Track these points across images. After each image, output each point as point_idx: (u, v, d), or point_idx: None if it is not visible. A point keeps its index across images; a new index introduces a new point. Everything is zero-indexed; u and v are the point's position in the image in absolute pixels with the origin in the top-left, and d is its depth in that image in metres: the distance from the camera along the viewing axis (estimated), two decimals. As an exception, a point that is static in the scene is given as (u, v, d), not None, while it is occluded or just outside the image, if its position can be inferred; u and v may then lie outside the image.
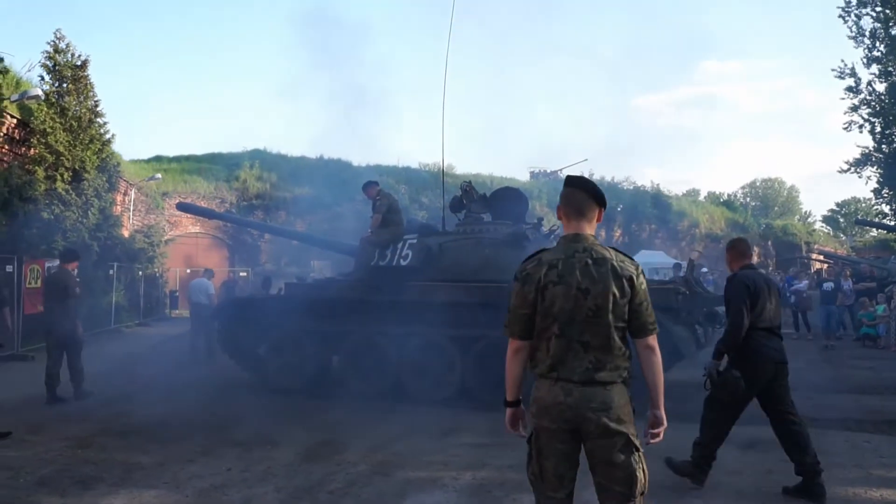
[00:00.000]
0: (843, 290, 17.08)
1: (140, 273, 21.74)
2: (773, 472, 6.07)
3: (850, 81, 35.67)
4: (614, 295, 3.16)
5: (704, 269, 25.71)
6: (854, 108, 35.78)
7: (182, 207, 13.81)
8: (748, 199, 69.73)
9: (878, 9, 35.05)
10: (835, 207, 71.03)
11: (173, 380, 11.05)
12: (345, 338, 9.69)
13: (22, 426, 7.71)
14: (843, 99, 35.77)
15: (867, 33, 35.53)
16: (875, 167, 36.25)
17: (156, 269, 23.45)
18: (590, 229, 3.33)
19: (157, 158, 31.36)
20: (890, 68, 35.38)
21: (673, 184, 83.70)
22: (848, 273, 18.59)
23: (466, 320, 8.99)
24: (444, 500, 5.27)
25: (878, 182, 36.95)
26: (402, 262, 9.78)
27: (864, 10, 35.34)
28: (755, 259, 44.46)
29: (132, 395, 9.67)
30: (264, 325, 10.09)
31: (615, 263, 3.22)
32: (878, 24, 35.34)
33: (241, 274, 26.55)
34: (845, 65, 36.25)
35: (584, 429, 3.14)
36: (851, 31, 35.67)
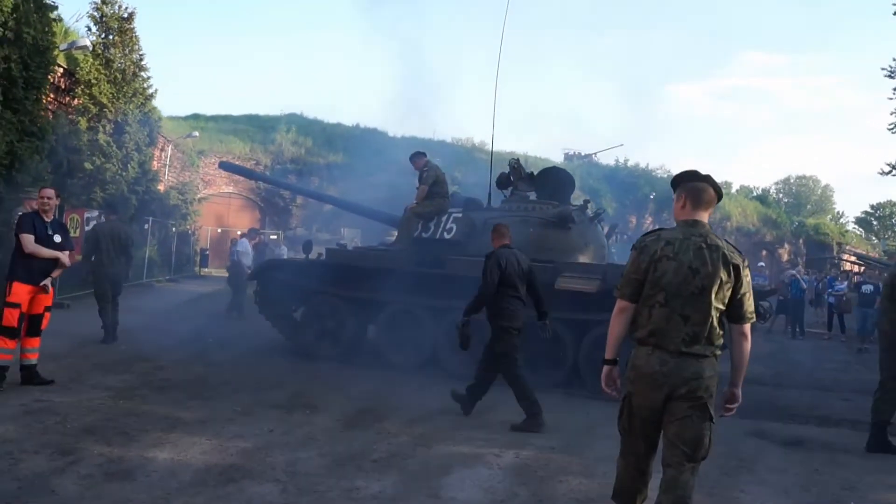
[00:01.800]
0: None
1: (174, 229, 21.85)
2: (820, 472, 5.99)
3: (899, 82, 34.90)
4: (721, 279, 3.51)
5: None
6: (901, 110, 35.07)
7: (224, 166, 13.81)
8: (781, 196, 68.82)
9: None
10: (869, 210, 69.85)
11: (208, 337, 11.08)
12: (383, 308, 9.67)
13: (63, 373, 7.79)
14: (891, 99, 35.12)
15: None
16: (919, 171, 35.57)
17: (188, 227, 23.54)
18: (706, 218, 3.71)
19: (195, 116, 31.47)
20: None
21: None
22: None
23: (508, 298, 8.91)
24: (489, 477, 5.23)
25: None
26: (446, 236, 9.71)
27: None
28: (784, 256, 43.91)
29: (169, 350, 9.72)
30: (303, 290, 10.08)
31: (725, 252, 3.57)
32: (933, 25, 34.50)
33: (272, 237, 26.62)
34: (895, 64, 35.60)
35: (675, 393, 3.50)
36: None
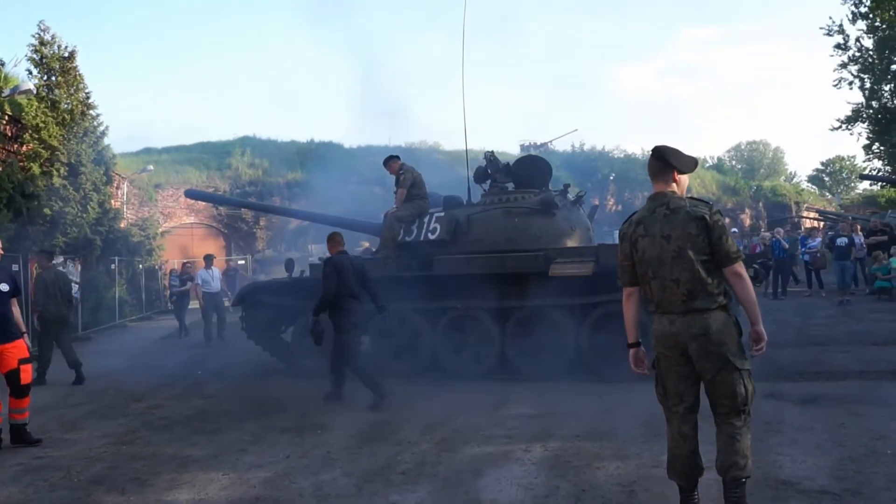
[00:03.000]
0: (856, 244, 16.98)
1: (140, 266, 21.35)
2: (846, 425, 5.93)
3: (839, 39, 35.53)
4: (690, 234, 3.72)
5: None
6: (843, 65, 35.68)
7: (190, 194, 13.47)
8: (734, 163, 69.65)
9: (864, -37, 34.88)
10: (820, 167, 71.11)
11: (196, 370, 10.77)
12: (375, 316, 9.44)
13: (56, 425, 7.50)
14: (832, 56, 35.74)
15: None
16: (866, 123, 36.21)
17: (154, 262, 23.02)
18: (668, 188, 3.88)
19: (147, 150, 30.88)
20: (877, 23, 35.24)
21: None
22: (859, 228, 18.46)
23: (502, 291, 8.77)
24: (524, 473, 5.07)
25: (868, 138, 36.95)
26: (431, 237, 9.52)
27: (849, -35, 35.16)
28: (747, 221, 44.52)
29: (161, 388, 9.43)
30: (291, 309, 9.83)
31: (688, 209, 3.76)
32: (864, -21, 35.17)
33: (240, 262, 26.21)
34: (833, 22, 36.18)
35: (689, 351, 3.73)
36: (838, -13, 35.47)
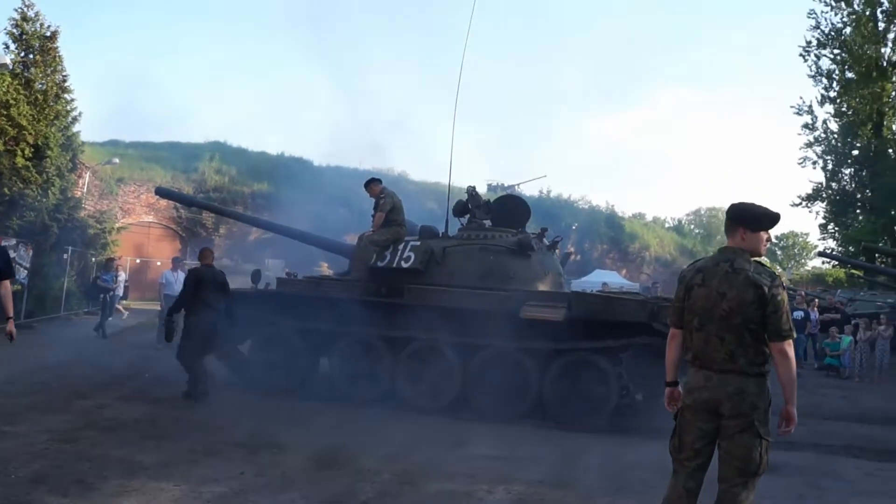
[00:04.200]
0: (811, 319, 17.30)
1: (93, 260, 20.77)
2: (805, 497, 5.95)
3: (808, 118, 36.67)
4: (745, 300, 3.70)
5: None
6: (809, 145, 36.79)
7: (161, 192, 13.13)
8: (693, 227, 70.92)
9: (836, 51, 36.18)
10: (773, 240, 72.66)
11: (144, 372, 10.43)
12: (339, 339, 9.28)
13: (-6, 415, 7.15)
14: (800, 135, 36.86)
15: (825, 73, 36.64)
16: (825, 203, 37.26)
17: (116, 257, 22.41)
18: (736, 244, 3.90)
19: (113, 143, 30.25)
20: (843, 108, 36.47)
21: (621, 205, 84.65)
22: (816, 303, 18.84)
23: (470, 328, 8.67)
24: (489, 516, 4.95)
25: (825, 218, 38.00)
26: (404, 264, 9.39)
27: (822, 52, 36.45)
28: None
29: (107, 387, 9.11)
30: (252, 321, 9.59)
31: (750, 274, 3.75)
32: (835, 66, 36.44)
33: (180, 268, 25.66)
34: (803, 102, 37.36)
35: (720, 410, 3.72)
36: (811, 70, 36.74)
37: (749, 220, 3.90)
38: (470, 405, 8.69)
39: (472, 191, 10.15)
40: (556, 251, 10.49)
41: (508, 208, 10.29)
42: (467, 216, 10.14)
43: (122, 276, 18.85)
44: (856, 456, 7.74)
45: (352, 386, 9.18)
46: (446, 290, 8.89)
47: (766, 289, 3.69)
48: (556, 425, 8.21)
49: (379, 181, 9.94)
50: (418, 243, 9.53)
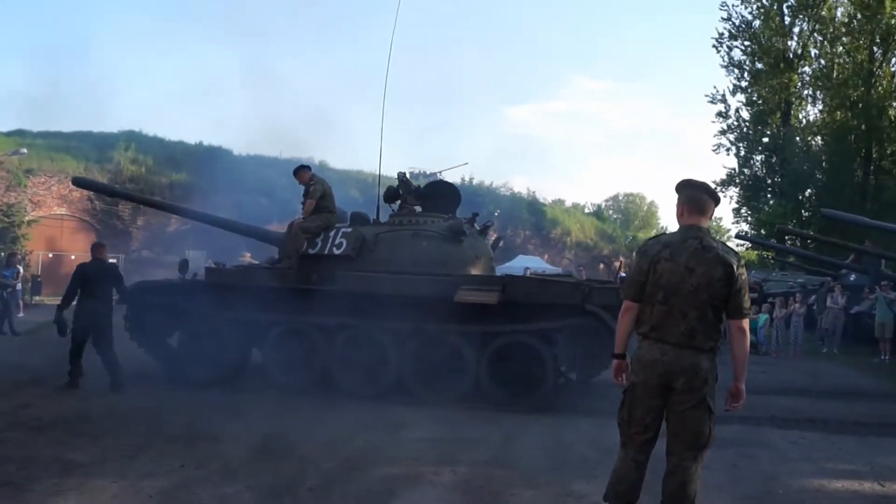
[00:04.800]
0: (728, 299, 17.93)
1: (2, 254, 19.85)
2: (738, 466, 6.17)
3: (721, 107, 37.92)
4: (713, 277, 3.77)
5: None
6: (723, 132, 38.05)
7: (78, 182, 12.62)
8: (611, 212, 72.51)
9: (747, 43, 37.50)
10: (687, 224, 74.93)
11: (66, 369, 10.02)
12: (270, 328, 9.14)
13: None
14: (714, 122, 38.13)
15: (737, 64, 37.94)
16: (738, 188, 38.63)
17: (17, 251, 21.46)
18: (705, 222, 3.98)
19: (20, 132, 28.88)
20: (754, 98, 37.83)
21: (541, 192, 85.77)
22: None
23: (404, 313, 8.65)
24: (439, 497, 4.99)
25: (738, 202, 39.39)
26: (335, 251, 9.30)
27: (734, 43, 37.72)
28: (620, 269, 46.26)
29: (29, 386, 8.78)
30: (180, 312, 9.36)
31: (720, 252, 3.82)
32: (746, 57, 37.78)
33: (112, 261, 24.84)
34: (717, 91, 38.59)
35: (673, 384, 3.77)
36: (723, 61, 37.98)
37: (718, 199, 4.04)
38: (407, 390, 8.70)
39: (402, 177, 10.13)
40: (490, 236, 10.57)
41: (439, 194, 10.31)
42: (398, 202, 10.11)
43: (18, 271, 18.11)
44: (780, 426, 8.07)
45: (286, 375, 9.06)
46: (379, 276, 8.84)
47: (734, 268, 3.78)
48: (493, 407, 8.29)
49: (308, 168, 9.82)
50: (350, 230, 9.46)
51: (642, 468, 3.89)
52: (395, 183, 10.22)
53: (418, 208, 10.13)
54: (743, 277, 3.82)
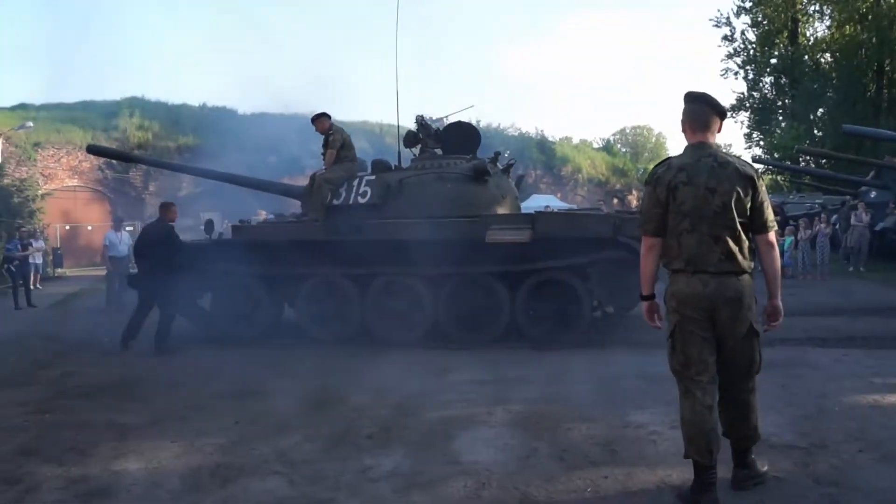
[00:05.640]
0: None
1: (22, 229, 19.85)
2: (788, 387, 6.13)
3: (727, 30, 37.20)
4: (738, 193, 3.52)
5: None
6: (729, 56, 37.41)
7: (93, 150, 12.50)
8: (620, 146, 71.87)
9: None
10: (697, 151, 74.35)
11: (103, 336, 10.06)
12: (302, 282, 9.12)
13: (-46, 393, 6.84)
14: (720, 47, 37.53)
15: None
16: (748, 112, 38.13)
17: (35, 225, 21.50)
18: (713, 138, 3.68)
19: (23, 106, 28.68)
20: (759, 18, 37.04)
21: (550, 130, 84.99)
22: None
23: (435, 257, 8.58)
24: (496, 435, 4.97)
25: (749, 127, 38.92)
26: (361, 200, 9.22)
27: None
28: (634, 202, 46.03)
29: (68, 355, 8.82)
30: (211, 273, 9.33)
31: (738, 166, 3.58)
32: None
33: (128, 228, 24.86)
34: (721, 14, 37.90)
35: (718, 315, 3.55)
36: (725, -20, 37.14)
37: (723, 111, 3.75)
38: (444, 335, 8.69)
39: (421, 120, 9.96)
40: (510, 175, 10.44)
41: (459, 135, 10.12)
42: (418, 147, 9.96)
43: (39, 244, 18.16)
44: (820, 346, 8.03)
45: (322, 328, 9.06)
46: (407, 223, 8.75)
47: (755, 179, 3.58)
48: (531, 346, 8.27)
49: (327, 116, 9.63)
50: (373, 178, 9.35)
51: (715, 412, 3.63)
52: (413, 128, 10.07)
53: (439, 151, 9.99)
54: (763, 188, 3.61)
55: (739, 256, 3.54)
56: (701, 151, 3.62)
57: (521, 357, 7.84)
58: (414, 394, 6.26)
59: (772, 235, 3.64)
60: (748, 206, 3.55)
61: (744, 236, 3.57)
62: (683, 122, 3.73)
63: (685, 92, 3.76)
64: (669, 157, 3.78)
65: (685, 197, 3.55)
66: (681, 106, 3.72)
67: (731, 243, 3.53)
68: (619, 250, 8.13)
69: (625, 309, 9.91)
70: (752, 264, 3.64)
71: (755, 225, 3.60)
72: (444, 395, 6.17)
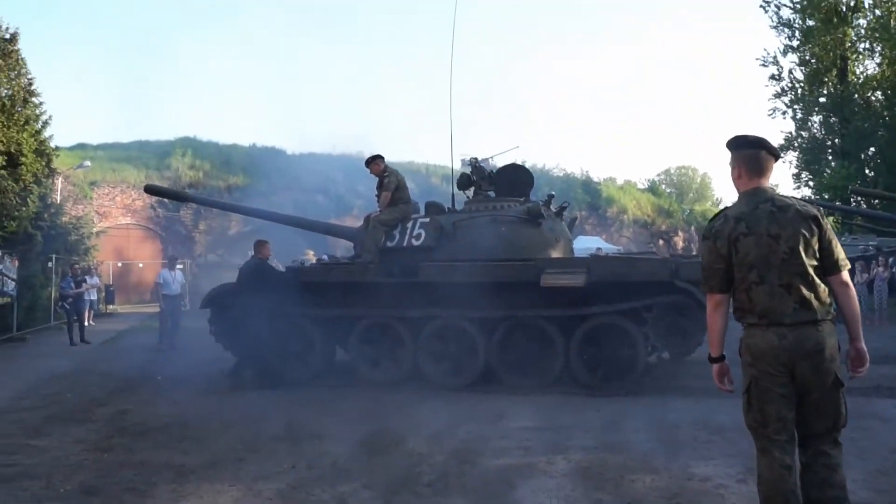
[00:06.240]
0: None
1: (76, 266, 20.31)
2: (857, 440, 5.87)
3: (774, 69, 36.84)
4: (803, 235, 3.33)
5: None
6: (777, 95, 36.99)
7: (150, 190, 12.78)
8: (664, 187, 71.36)
9: (796, 0, 36.30)
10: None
11: (156, 375, 10.18)
12: (356, 323, 9.12)
13: (15, 429, 6.97)
14: (767, 86, 37.18)
15: (786, 23, 36.76)
16: (797, 152, 37.56)
17: (89, 262, 21.97)
18: (766, 183, 3.52)
19: (81, 146, 29.58)
20: (807, 57, 36.68)
21: (595, 170, 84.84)
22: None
23: (488, 301, 8.54)
24: (558, 485, 4.85)
25: (797, 167, 38.30)
26: (415, 243, 9.24)
27: (782, 2, 36.57)
28: (679, 244, 45.41)
29: (123, 392, 8.92)
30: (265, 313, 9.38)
31: (798, 208, 3.39)
32: (796, 15, 36.57)
33: (179, 267, 25.30)
34: (768, 53, 37.58)
35: (798, 369, 3.30)
36: (772, 21, 36.86)
37: (778, 154, 3.64)
38: (496, 379, 8.60)
39: (475, 162, 10.00)
40: (563, 218, 10.40)
41: (512, 178, 10.14)
42: (472, 189, 9.98)
43: (94, 281, 18.56)
44: (888, 396, 7.77)
45: (374, 370, 9.06)
46: (461, 265, 8.74)
47: (819, 218, 3.38)
48: (585, 392, 8.14)
49: (381, 158, 9.71)
50: (427, 220, 9.38)
51: (794, 472, 3.37)
52: (466, 170, 10.11)
53: (492, 193, 9.99)
54: (828, 227, 3.40)
55: (816, 303, 3.31)
56: (758, 198, 3.45)
57: (575, 403, 7.71)
58: (470, 439, 6.18)
59: (845, 274, 3.41)
60: (816, 247, 3.36)
61: (818, 280, 3.34)
62: (737, 167, 3.56)
63: (734, 136, 3.63)
64: (725, 209, 3.61)
65: (748, 248, 3.39)
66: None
67: (804, 290, 3.31)
68: (675, 295, 8.02)
69: (681, 354, 9.73)
70: (832, 309, 3.40)
71: (826, 266, 3.38)
72: (501, 442, 6.08)
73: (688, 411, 7.06)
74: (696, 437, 6.12)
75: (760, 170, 3.50)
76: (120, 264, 26.52)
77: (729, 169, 3.62)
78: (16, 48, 16.93)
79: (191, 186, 28.37)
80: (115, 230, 26.69)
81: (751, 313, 3.41)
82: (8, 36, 16.87)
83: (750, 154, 3.52)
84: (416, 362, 8.90)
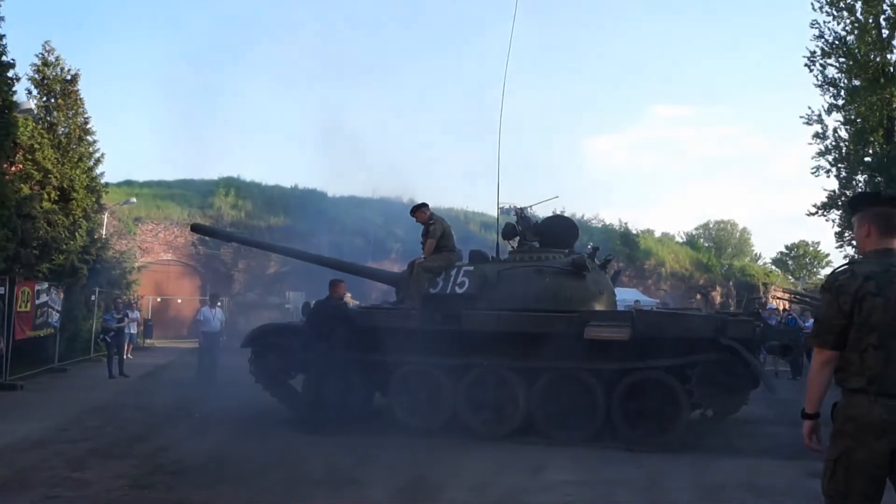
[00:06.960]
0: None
1: (118, 300, 20.62)
2: None
3: (818, 128, 36.61)
4: None
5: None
6: (821, 154, 36.71)
7: (196, 228, 13.01)
8: (702, 241, 70.77)
9: (842, 60, 36.18)
10: (784, 250, 72.55)
11: (194, 412, 10.21)
12: (396, 369, 9.09)
13: (58, 461, 7.01)
14: (811, 144, 36.76)
15: (831, 82, 36.61)
16: (840, 211, 37.09)
17: (130, 297, 22.31)
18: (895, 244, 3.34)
19: (128, 182, 30.26)
20: (852, 116, 36.42)
21: (633, 222, 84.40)
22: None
23: (531, 351, 8.50)
24: (605, 546, 4.75)
25: (840, 226, 37.78)
26: (458, 290, 9.24)
27: (828, 61, 36.44)
28: (717, 299, 44.81)
29: (161, 428, 8.95)
30: (304, 356, 9.40)
31: None
32: (841, 75, 36.44)
33: (218, 304, 25.54)
34: (812, 111, 37.33)
35: None
36: (817, 80, 36.71)
37: None
38: (536, 430, 8.50)
39: (521, 213, 10.02)
40: (607, 270, 10.34)
41: (557, 229, 10.14)
42: (516, 239, 9.99)
43: (135, 315, 18.87)
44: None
45: (412, 416, 8.99)
46: (504, 315, 8.70)
47: None
48: (626, 447, 8.00)
49: (426, 206, 9.79)
50: (471, 268, 9.38)
51: None
52: (508, 218, 10.14)
53: (536, 244, 9.99)
54: None
55: None
56: (889, 259, 3.27)
57: (616, 458, 7.59)
58: (510, 490, 6.11)
59: None
60: None
61: None
62: (865, 225, 3.39)
63: (864, 193, 3.59)
64: (851, 264, 3.42)
65: (873, 309, 3.16)
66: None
67: None
68: (721, 352, 7.90)
69: (725, 413, 9.51)
70: None
71: None
72: (544, 496, 5.99)
73: (732, 471, 6.92)
74: (742, 498, 5.99)
75: (892, 228, 3.34)
76: (159, 299, 26.86)
77: (855, 221, 3.48)
78: (75, 88, 17.50)
79: (233, 225, 28.76)
80: (156, 266, 27.12)
81: (859, 377, 3.18)
82: (69, 77, 17.44)
83: (882, 212, 3.37)
84: (456, 410, 8.83)
